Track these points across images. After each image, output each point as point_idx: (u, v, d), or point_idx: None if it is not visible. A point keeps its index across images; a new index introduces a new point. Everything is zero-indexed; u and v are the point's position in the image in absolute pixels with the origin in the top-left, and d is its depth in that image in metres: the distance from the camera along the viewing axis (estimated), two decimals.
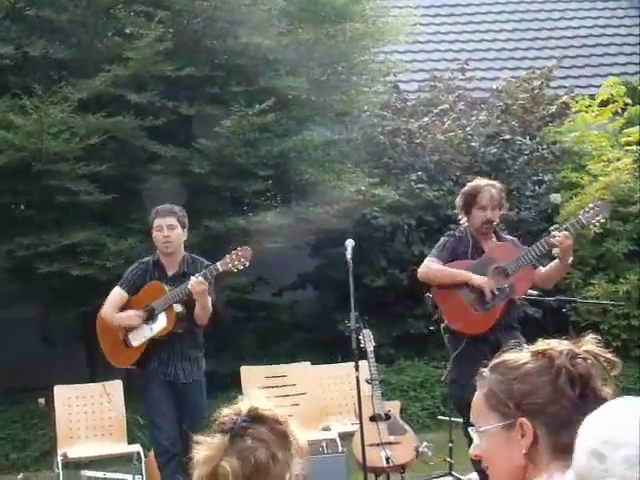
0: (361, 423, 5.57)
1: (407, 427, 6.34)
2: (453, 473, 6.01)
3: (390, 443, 6.02)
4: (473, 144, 9.64)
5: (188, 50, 8.27)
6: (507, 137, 9.77)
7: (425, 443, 6.09)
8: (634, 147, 9.29)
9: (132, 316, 5.44)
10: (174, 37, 8.07)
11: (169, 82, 8.03)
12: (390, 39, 9.43)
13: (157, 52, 7.74)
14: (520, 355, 1.84)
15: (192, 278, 5.29)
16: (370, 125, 9.76)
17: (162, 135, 8.02)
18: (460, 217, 5.41)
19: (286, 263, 9.46)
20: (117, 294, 5.53)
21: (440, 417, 7.33)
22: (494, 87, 10.56)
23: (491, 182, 5.47)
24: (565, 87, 10.80)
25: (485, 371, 1.87)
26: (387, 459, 5.91)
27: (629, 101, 9.89)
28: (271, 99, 7.91)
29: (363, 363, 5.99)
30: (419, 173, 9.33)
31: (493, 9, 13.17)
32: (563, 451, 1.74)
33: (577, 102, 9.96)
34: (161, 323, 5.42)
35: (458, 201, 5.39)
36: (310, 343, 9.24)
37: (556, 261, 5.25)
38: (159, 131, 7.96)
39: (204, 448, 1.86)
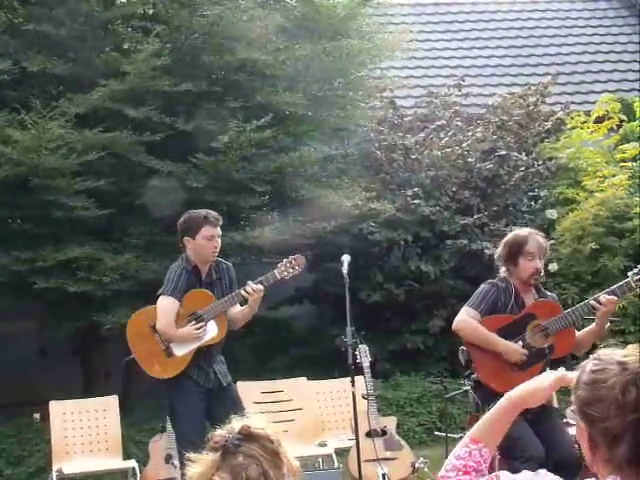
0: (357, 439, 5.56)
1: (403, 443, 6.34)
2: None
3: (386, 459, 6.03)
4: (469, 160, 9.67)
5: (186, 65, 8.30)
6: (503, 153, 9.80)
7: (421, 459, 6.10)
8: (629, 163, 9.32)
9: (193, 333, 5.29)
10: (172, 52, 8.10)
11: (166, 97, 8.06)
12: (387, 55, 9.48)
13: (154, 67, 7.77)
14: (611, 358, 1.86)
15: (249, 283, 5.32)
16: (367, 140, 9.79)
17: (159, 150, 8.04)
18: (501, 268, 5.12)
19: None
20: (172, 304, 5.33)
21: (436, 433, 7.32)
22: (490, 103, 10.61)
23: (534, 230, 5.22)
24: (561, 103, 10.85)
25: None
26: (383, 475, 5.91)
27: (624, 118, 9.93)
28: (268, 115, 7.94)
29: (359, 378, 6.00)
30: (415, 189, 9.36)
31: (489, 26, 13.25)
32: (618, 467, 1.79)
33: (572, 118, 10.00)
34: (212, 332, 5.34)
35: (500, 251, 5.09)
36: (307, 358, 9.23)
37: (592, 325, 5.08)
38: (156, 146, 7.98)
39: (197, 465, 1.89)
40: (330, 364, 7.87)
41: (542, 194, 9.80)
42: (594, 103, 10.48)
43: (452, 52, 12.63)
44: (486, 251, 8.99)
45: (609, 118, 9.88)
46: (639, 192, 8.89)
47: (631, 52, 12.73)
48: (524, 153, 9.95)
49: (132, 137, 7.78)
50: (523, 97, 10.46)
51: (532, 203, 9.86)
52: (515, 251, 4.98)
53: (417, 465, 6.04)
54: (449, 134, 9.85)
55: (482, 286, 5.12)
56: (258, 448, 1.88)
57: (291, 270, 5.46)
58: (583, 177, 9.27)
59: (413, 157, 9.66)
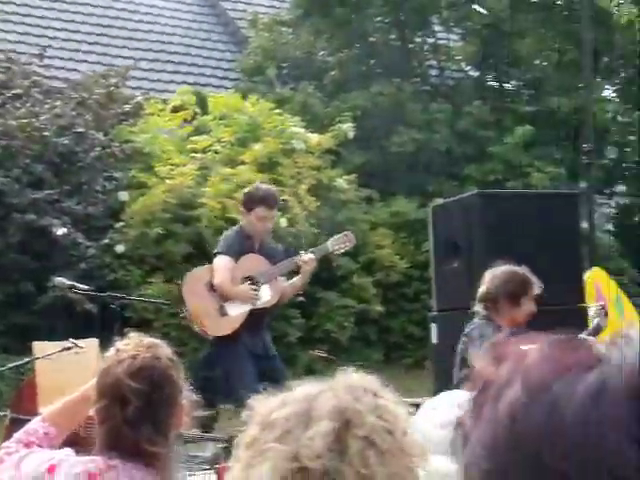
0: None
1: None
2: None
3: None
4: (45, 134, 9.52)
5: None
6: (81, 130, 9.81)
7: None
8: (199, 155, 9.88)
9: (248, 292, 5.25)
10: None
11: None
12: None
13: None
14: None
15: (303, 253, 5.41)
16: None
17: None
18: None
19: None
20: (227, 262, 5.29)
21: None
22: (72, 78, 10.54)
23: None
24: (143, 89, 11.14)
25: None
26: None
27: (199, 110, 10.49)
28: None
29: None
30: None
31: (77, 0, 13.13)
32: None
33: (151, 105, 10.32)
34: (265, 296, 5.32)
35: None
36: None
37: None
38: None
39: None
40: None
41: (117, 175, 9.99)
42: (174, 93, 10.92)
43: (37, 20, 12.30)
44: (53, 229, 8.94)
45: (185, 109, 10.37)
46: (206, 183, 9.48)
47: (209, 48, 13.49)
48: (102, 133, 10.05)
49: None
50: (105, 77, 10.56)
51: (106, 184, 9.99)
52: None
53: None
54: (27, 105, 9.60)
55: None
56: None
57: (343, 246, 5.58)
58: (156, 163, 9.63)
59: None
